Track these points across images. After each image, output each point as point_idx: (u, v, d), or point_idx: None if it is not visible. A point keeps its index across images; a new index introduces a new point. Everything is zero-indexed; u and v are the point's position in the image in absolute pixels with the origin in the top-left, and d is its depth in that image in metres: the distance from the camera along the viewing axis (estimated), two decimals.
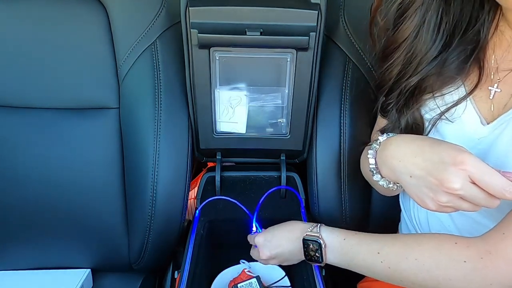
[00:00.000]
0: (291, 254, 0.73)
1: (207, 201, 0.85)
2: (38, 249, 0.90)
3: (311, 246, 0.68)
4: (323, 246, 0.67)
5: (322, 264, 0.68)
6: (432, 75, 0.62)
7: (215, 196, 0.86)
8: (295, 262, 0.75)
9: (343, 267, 0.66)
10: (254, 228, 0.80)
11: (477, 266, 0.52)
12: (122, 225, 0.88)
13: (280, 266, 0.83)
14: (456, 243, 0.55)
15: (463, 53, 0.60)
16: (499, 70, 0.59)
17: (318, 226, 0.69)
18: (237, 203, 0.82)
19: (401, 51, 0.63)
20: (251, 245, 0.85)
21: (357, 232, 0.66)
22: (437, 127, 0.64)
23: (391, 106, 0.67)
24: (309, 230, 0.69)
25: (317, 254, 0.68)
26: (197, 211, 0.85)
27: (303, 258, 0.71)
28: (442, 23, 0.60)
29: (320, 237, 0.67)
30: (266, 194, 0.83)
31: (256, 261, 0.83)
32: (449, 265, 0.54)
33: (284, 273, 0.80)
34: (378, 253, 0.60)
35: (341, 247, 0.66)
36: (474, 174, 0.49)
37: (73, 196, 0.85)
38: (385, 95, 0.68)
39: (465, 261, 0.53)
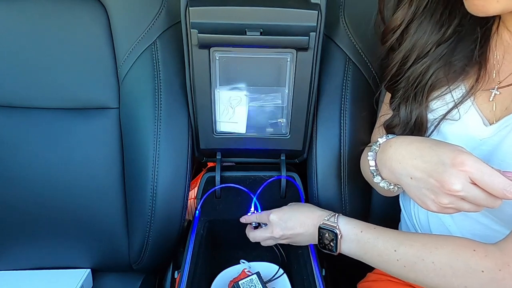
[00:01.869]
0: (303, 238, 0.73)
1: (208, 193, 0.85)
2: (38, 249, 0.90)
3: (326, 235, 0.68)
4: (339, 236, 0.67)
5: (335, 253, 0.68)
6: (439, 69, 0.62)
7: (215, 197, 0.86)
8: (305, 244, 0.76)
9: (356, 258, 0.67)
10: (252, 209, 0.81)
11: (495, 277, 0.52)
12: (122, 225, 0.88)
13: (280, 265, 0.83)
14: (474, 250, 0.54)
15: (470, 47, 0.60)
16: (500, 71, 0.60)
17: (336, 216, 0.69)
18: (239, 186, 0.83)
19: (397, 34, 0.63)
20: (250, 245, 0.85)
21: (375, 226, 0.66)
22: (439, 128, 0.64)
23: (399, 93, 0.66)
24: (326, 218, 0.69)
25: (331, 243, 0.68)
26: (197, 211, 0.85)
27: (314, 242, 0.72)
28: (445, 11, 0.60)
29: (337, 227, 0.67)
30: (267, 182, 0.84)
31: (255, 260, 0.84)
32: (466, 273, 0.54)
33: (278, 267, 0.82)
34: (395, 251, 0.60)
35: (357, 239, 0.65)
36: (474, 175, 0.48)
37: (73, 196, 0.85)
38: (391, 86, 0.68)
39: (482, 271, 0.53)
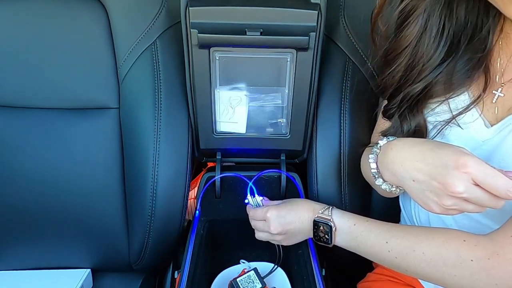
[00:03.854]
0: (300, 233, 0.74)
1: (208, 183, 0.85)
2: (38, 249, 0.90)
3: (321, 227, 0.69)
4: (333, 229, 0.67)
5: (330, 245, 0.69)
6: (439, 82, 0.61)
7: (215, 197, 0.86)
8: (300, 241, 0.76)
9: (350, 250, 0.67)
10: (248, 196, 0.81)
11: (484, 266, 0.52)
12: (122, 225, 0.88)
13: (278, 262, 0.83)
14: (464, 240, 0.55)
15: (471, 60, 0.60)
16: (504, 74, 0.59)
17: (330, 208, 0.70)
18: (237, 175, 0.84)
19: (402, 57, 0.63)
20: (250, 245, 0.85)
21: (368, 218, 0.67)
22: (442, 132, 0.64)
23: (393, 111, 0.67)
24: (320, 212, 0.70)
25: (326, 236, 0.69)
26: (197, 211, 0.85)
27: (308, 237, 0.73)
28: (445, 30, 0.60)
29: (331, 220, 0.68)
30: (263, 172, 0.85)
31: (255, 260, 0.84)
32: (455, 263, 0.54)
33: (273, 264, 0.83)
34: (387, 242, 0.61)
35: (351, 232, 0.66)
36: (477, 177, 0.48)
37: (73, 196, 0.85)
38: (387, 100, 0.68)
39: (472, 260, 0.53)
